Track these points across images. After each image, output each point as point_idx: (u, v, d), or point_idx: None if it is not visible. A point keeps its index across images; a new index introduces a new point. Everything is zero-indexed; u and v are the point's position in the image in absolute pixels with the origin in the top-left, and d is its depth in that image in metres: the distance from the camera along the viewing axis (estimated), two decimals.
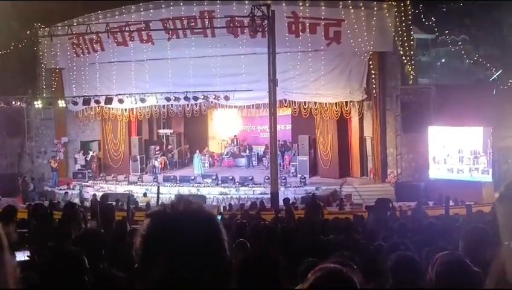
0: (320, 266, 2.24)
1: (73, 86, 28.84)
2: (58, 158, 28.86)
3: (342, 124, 27.03)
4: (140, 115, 29.23)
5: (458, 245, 4.58)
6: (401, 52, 24.23)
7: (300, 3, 24.97)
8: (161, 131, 32.28)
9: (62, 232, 6.81)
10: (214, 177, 26.52)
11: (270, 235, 7.92)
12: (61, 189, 27.36)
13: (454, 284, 3.26)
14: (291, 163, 28.23)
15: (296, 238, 7.43)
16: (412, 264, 4.02)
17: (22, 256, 5.95)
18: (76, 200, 24.35)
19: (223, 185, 25.89)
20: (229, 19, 24.48)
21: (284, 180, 25.31)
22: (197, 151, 29.78)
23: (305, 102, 26.05)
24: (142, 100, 26.88)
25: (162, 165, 29.89)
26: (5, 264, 1.51)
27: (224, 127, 32.98)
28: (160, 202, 15.47)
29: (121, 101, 26.93)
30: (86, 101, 27.49)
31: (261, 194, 24.26)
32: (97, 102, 27.49)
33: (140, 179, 27.68)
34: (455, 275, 3.29)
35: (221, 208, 20.42)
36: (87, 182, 27.98)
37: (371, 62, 24.99)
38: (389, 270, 4.05)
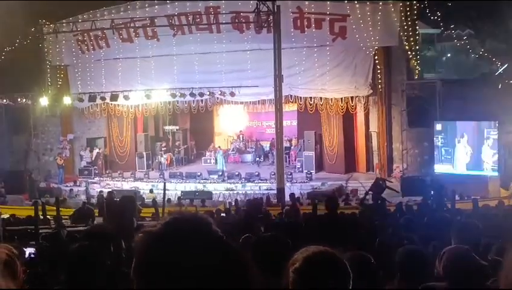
0: (309, 246, 2.18)
1: (79, 83, 28.85)
2: (64, 155, 28.91)
3: (348, 119, 27.00)
4: (146, 112, 29.22)
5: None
6: (407, 47, 24.11)
7: None
8: (167, 127, 32.29)
9: None
10: (220, 174, 26.59)
11: (276, 230, 7.93)
12: (67, 186, 27.42)
13: (462, 277, 3.27)
14: (297, 159, 28.24)
15: (302, 233, 7.44)
16: (420, 258, 4.02)
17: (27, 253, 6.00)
18: (83, 197, 24.44)
19: (229, 181, 25.95)
20: (235, 14, 24.44)
21: (290, 176, 25.33)
22: (220, 148, 29.85)
23: (310, 97, 26.02)
24: (148, 96, 26.89)
25: (168, 162, 29.95)
26: None
27: (230, 123, 32.99)
28: (166, 198, 15.52)
29: (126, 97, 26.96)
30: (92, 98, 27.54)
31: (267, 189, 24.28)
32: (103, 99, 27.52)
33: (146, 176, 27.72)
34: (463, 268, 3.30)
35: (227, 204, 20.42)
36: (93, 179, 28.04)
37: (376, 57, 24.89)
38: (396, 264, 4.05)
